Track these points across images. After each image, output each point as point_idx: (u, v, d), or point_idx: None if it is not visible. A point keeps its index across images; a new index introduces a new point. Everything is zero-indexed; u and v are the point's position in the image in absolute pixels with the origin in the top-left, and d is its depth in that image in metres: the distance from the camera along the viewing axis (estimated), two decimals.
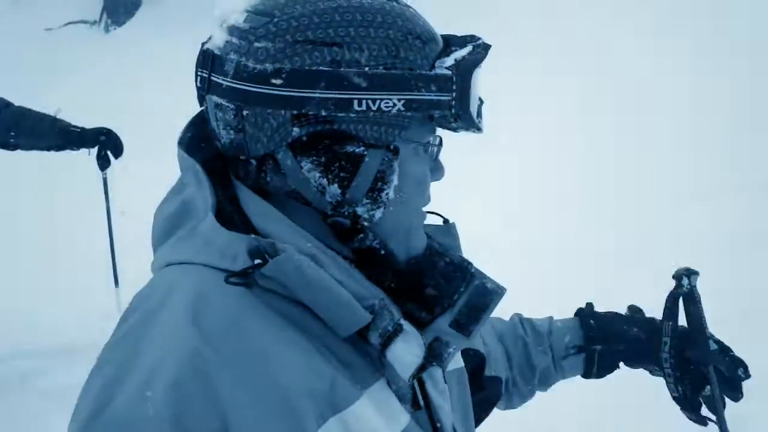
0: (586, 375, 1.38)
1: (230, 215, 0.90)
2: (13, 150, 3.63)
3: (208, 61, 0.89)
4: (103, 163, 3.80)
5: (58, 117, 3.65)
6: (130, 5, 10.10)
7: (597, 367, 1.36)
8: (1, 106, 3.52)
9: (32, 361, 4.63)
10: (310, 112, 0.85)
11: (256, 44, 0.86)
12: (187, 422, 0.75)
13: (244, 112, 0.87)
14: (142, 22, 9.96)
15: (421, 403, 0.96)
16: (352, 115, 0.85)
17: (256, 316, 0.84)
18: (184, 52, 8.20)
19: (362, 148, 0.87)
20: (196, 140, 0.97)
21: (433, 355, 0.89)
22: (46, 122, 3.59)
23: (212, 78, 0.88)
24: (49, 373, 4.50)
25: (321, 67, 0.84)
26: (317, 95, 0.84)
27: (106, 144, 3.71)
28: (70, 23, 10.40)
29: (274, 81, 0.85)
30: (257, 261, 0.83)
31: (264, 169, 0.90)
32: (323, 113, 0.85)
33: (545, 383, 1.39)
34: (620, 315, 1.38)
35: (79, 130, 3.65)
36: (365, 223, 0.91)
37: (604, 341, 1.34)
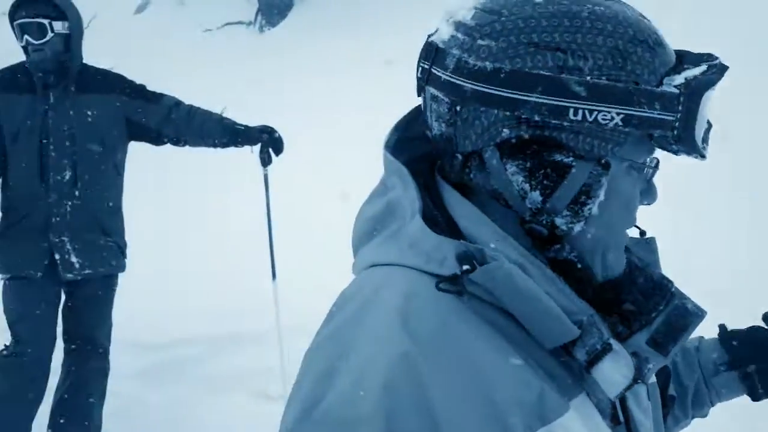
0: (754, 396, 1.28)
1: (435, 218, 0.89)
2: (182, 146, 3.80)
3: (431, 53, 0.90)
4: (265, 160, 3.90)
5: (223, 115, 3.79)
6: (282, 6, 10.42)
7: (761, 386, 1.27)
8: (171, 105, 3.68)
9: (190, 350, 4.85)
10: (523, 116, 0.84)
11: (480, 42, 0.85)
12: (398, 426, 0.75)
13: (458, 108, 0.87)
14: (294, 22, 10.27)
15: (621, 418, 0.93)
16: (566, 123, 0.83)
17: (465, 323, 0.83)
18: (333, 51, 8.36)
19: (571, 159, 0.85)
20: (401, 142, 0.97)
21: (636, 371, 0.87)
22: (213, 120, 3.72)
23: (433, 70, 0.89)
24: (206, 361, 4.70)
25: (541, 72, 0.83)
26: (533, 99, 0.83)
27: (268, 142, 3.81)
28: (227, 24, 10.86)
29: (492, 80, 0.84)
30: (465, 267, 0.82)
31: (469, 165, 0.89)
32: (536, 118, 0.84)
33: (700, 405, 1.31)
34: (761, 327, 1.29)
35: (243, 127, 3.77)
36: (563, 235, 0.88)
37: (753, 359, 1.27)
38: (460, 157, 0.89)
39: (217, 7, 11.39)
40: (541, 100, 0.82)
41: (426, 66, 0.90)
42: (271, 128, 3.84)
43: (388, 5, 9.14)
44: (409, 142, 0.97)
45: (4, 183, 3.53)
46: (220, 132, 3.72)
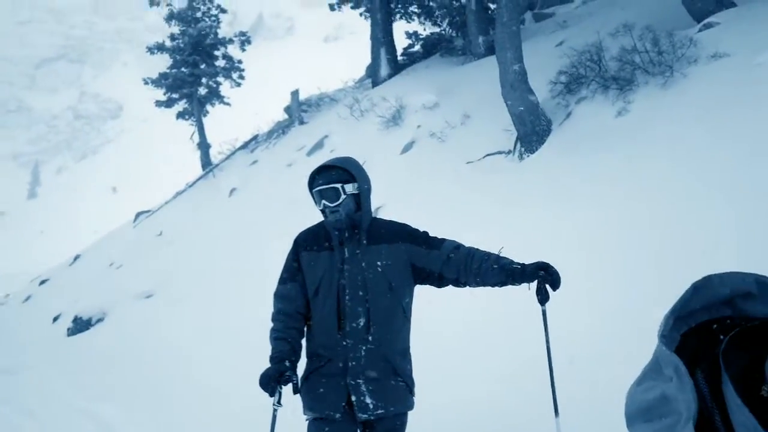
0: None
1: (712, 424, 0.87)
2: (463, 287, 3.92)
3: None
4: (543, 298, 3.87)
5: (501, 255, 3.88)
6: (541, 133, 10.62)
7: None
8: (451, 249, 3.85)
9: None
10: None
11: None
12: None
13: None
14: (549, 149, 10.37)
15: None
16: None
17: None
18: (582, 174, 8.20)
19: None
20: (678, 320, 0.97)
21: None
22: (490, 261, 3.82)
23: None
24: None
25: None
26: None
27: (545, 278, 3.81)
28: (487, 155, 11.26)
29: None
30: None
31: None
32: None
33: None
34: None
35: (519, 266, 3.80)
36: None
37: None
38: None
39: (476, 140, 11.89)
40: None
41: None
42: (547, 264, 3.84)
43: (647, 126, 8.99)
44: (686, 318, 0.97)
45: (308, 332, 3.89)
46: (497, 272, 3.81)
